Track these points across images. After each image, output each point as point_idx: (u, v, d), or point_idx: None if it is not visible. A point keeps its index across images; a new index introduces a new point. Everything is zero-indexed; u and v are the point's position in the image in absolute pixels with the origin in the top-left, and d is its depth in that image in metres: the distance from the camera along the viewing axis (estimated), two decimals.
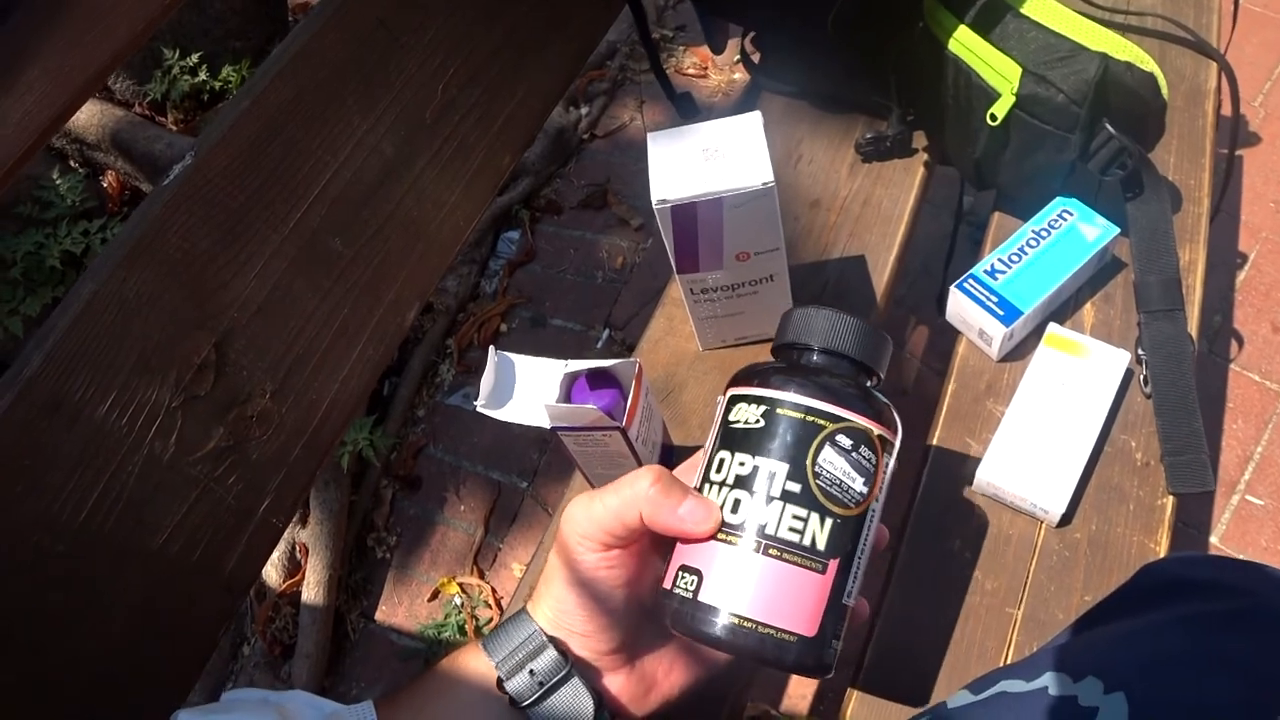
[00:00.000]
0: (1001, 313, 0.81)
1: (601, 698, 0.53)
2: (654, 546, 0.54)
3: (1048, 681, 0.53)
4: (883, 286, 0.87)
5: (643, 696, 0.55)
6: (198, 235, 0.66)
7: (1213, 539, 1.42)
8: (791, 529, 0.47)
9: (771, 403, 0.49)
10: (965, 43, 0.84)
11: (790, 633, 0.47)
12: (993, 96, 0.82)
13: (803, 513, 0.47)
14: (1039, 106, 0.80)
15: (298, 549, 1.59)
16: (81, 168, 2.00)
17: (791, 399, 0.49)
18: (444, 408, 1.75)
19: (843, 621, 0.49)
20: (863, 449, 0.49)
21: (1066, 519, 0.75)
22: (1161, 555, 0.74)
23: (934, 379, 1.56)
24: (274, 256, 0.71)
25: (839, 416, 0.49)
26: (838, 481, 0.48)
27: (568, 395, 0.67)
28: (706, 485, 0.50)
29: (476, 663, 0.54)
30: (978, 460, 0.77)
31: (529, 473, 1.65)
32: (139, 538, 0.64)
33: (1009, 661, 0.70)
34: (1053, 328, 0.82)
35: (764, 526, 0.47)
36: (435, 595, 1.55)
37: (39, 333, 0.60)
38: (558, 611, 0.53)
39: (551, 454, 1.65)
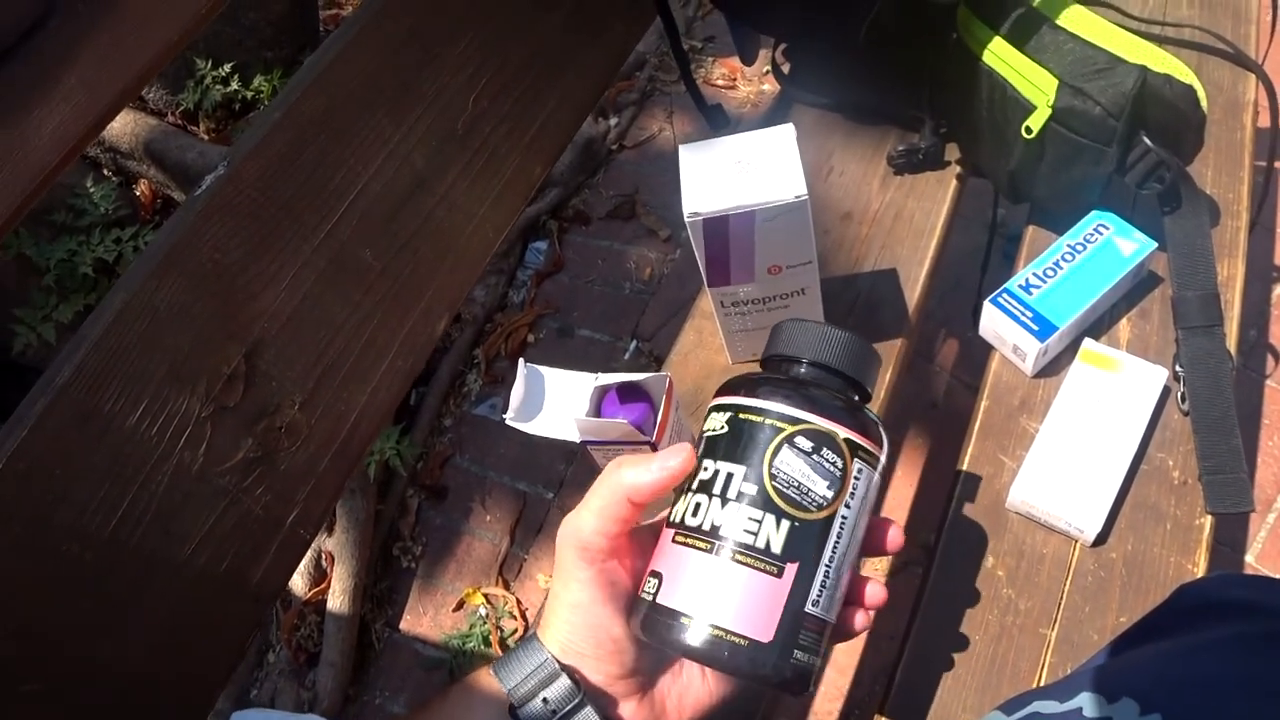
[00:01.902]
0: (1036, 328, 0.80)
1: None
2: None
3: (1082, 703, 0.52)
4: (915, 300, 0.87)
5: None
6: (229, 246, 0.66)
7: (1248, 558, 1.39)
8: (746, 530, 0.47)
9: (734, 408, 0.50)
10: (1000, 54, 0.83)
11: (743, 637, 0.46)
12: (1028, 109, 0.81)
13: (757, 514, 0.47)
14: (1075, 119, 0.79)
15: (323, 557, 1.59)
16: (115, 176, 2.02)
17: (751, 403, 0.49)
18: (471, 417, 1.75)
19: (810, 632, 0.48)
20: (825, 451, 0.48)
21: (1102, 538, 0.74)
22: (1199, 576, 0.72)
23: (965, 393, 1.54)
24: (305, 267, 0.71)
25: (797, 419, 0.48)
26: (796, 484, 0.47)
27: (598, 409, 0.67)
28: (678, 494, 0.51)
29: (488, 688, 0.54)
30: (1011, 477, 0.76)
31: (555, 484, 1.65)
32: (167, 548, 0.64)
33: (1042, 683, 0.69)
34: (1088, 343, 0.81)
35: (719, 528, 0.47)
36: (460, 605, 1.55)
37: (71, 342, 0.60)
38: (566, 636, 0.52)
39: (578, 465, 1.65)
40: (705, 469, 0.49)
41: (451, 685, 0.55)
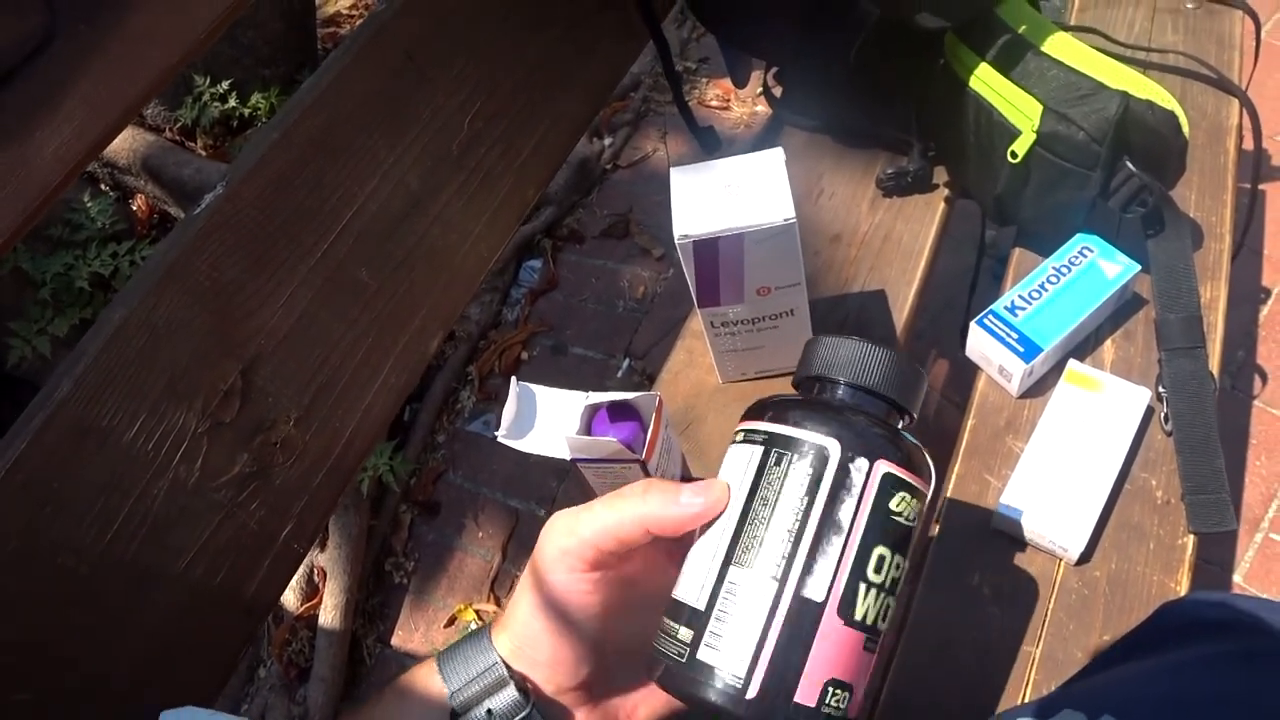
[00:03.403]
0: (1021, 349, 0.81)
1: None
2: (639, 574, 0.51)
3: None
4: (903, 321, 0.88)
5: None
6: (227, 264, 0.67)
7: (1236, 577, 1.40)
8: (884, 619, 0.46)
9: (922, 499, 0.46)
10: (986, 80, 0.85)
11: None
12: (1014, 133, 0.83)
13: (893, 603, 0.46)
14: (1060, 144, 0.81)
15: (315, 573, 1.60)
16: (112, 191, 2.03)
17: (924, 490, 0.46)
18: (464, 434, 1.75)
19: None
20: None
21: (1086, 557, 0.74)
22: (1182, 595, 0.73)
23: (954, 412, 1.55)
24: (301, 286, 0.72)
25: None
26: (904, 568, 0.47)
27: (588, 427, 0.68)
28: (864, 585, 0.44)
29: (430, 687, 0.49)
30: (997, 496, 0.77)
31: (547, 500, 1.65)
32: (162, 561, 0.65)
33: (1026, 700, 0.69)
34: (1073, 364, 0.82)
35: (883, 631, 0.46)
36: (451, 621, 1.55)
37: (70, 357, 0.60)
38: (522, 638, 0.49)
39: (569, 482, 1.65)
40: (897, 567, 0.45)
41: (393, 681, 0.51)
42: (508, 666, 0.48)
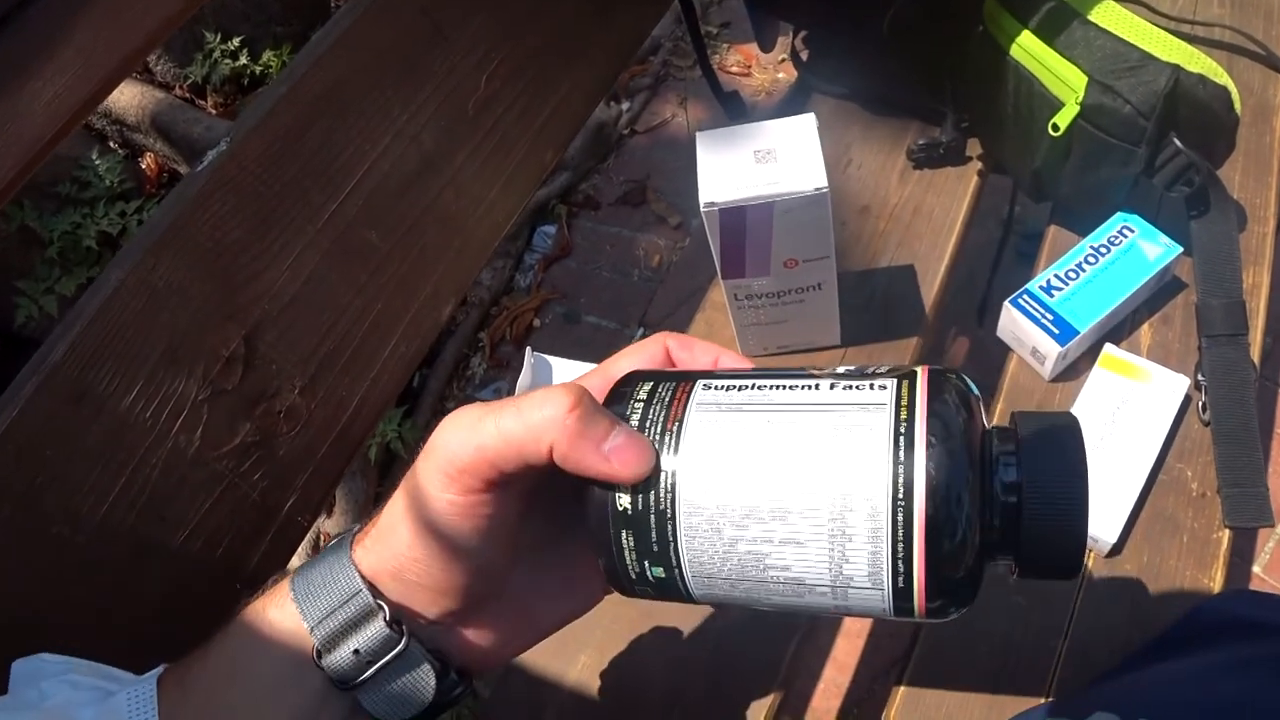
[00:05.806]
0: (1057, 331, 0.77)
1: (447, 664, 0.41)
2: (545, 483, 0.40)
3: None
4: (932, 297, 0.85)
5: (500, 648, 0.43)
6: (230, 224, 0.64)
7: (1256, 569, 1.38)
8: None
9: None
10: (1028, 48, 0.81)
11: None
12: (1056, 105, 0.79)
13: None
14: (1104, 117, 0.77)
15: (322, 539, 1.58)
16: (121, 149, 2.01)
17: None
18: (474, 401, 1.73)
19: None
20: None
21: (1117, 549, 0.72)
22: (1215, 591, 0.71)
23: None
24: (308, 248, 0.69)
25: None
26: None
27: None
28: None
29: (285, 620, 0.40)
30: None
31: None
32: (161, 532, 0.62)
33: (1052, 698, 0.67)
34: (1109, 349, 0.79)
35: None
36: None
37: (65, 320, 0.58)
38: (402, 561, 0.39)
39: None
40: None
41: (238, 615, 0.42)
42: (374, 591, 0.39)
